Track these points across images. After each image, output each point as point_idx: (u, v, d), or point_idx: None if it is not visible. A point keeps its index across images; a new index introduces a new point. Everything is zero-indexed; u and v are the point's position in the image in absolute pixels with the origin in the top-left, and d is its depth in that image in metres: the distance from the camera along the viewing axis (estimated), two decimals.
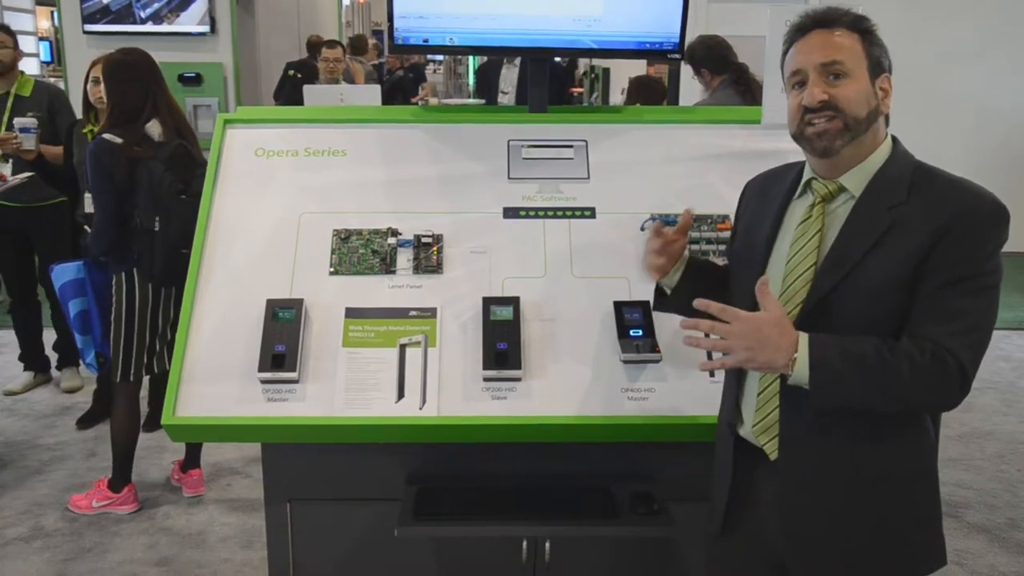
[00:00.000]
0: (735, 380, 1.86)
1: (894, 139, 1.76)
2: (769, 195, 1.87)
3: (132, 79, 3.54)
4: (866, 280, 1.63)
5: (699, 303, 1.66)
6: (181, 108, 3.77)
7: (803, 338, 1.59)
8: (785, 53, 1.76)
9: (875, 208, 1.67)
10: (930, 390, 1.59)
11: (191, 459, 3.98)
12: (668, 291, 2.02)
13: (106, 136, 3.47)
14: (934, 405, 1.67)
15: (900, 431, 1.71)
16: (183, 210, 3.41)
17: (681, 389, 2.17)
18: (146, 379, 3.83)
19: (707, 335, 1.69)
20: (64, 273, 3.72)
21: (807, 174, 1.79)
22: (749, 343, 1.59)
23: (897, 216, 1.64)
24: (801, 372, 1.58)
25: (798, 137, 1.73)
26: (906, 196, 1.65)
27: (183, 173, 3.50)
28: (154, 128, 3.53)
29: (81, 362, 4.14)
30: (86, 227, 3.82)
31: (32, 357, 5.25)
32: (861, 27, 1.70)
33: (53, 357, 5.28)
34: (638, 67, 8.90)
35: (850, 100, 1.65)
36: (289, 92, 8.34)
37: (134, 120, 3.51)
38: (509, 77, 8.11)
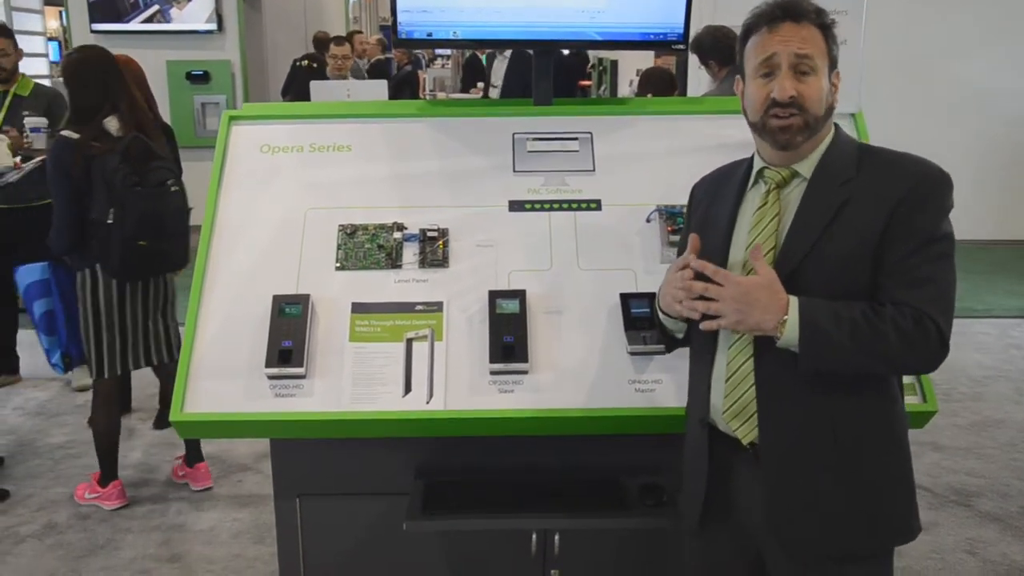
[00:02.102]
0: (704, 370, 1.86)
1: (835, 124, 1.83)
2: (721, 192, 1.92)
3: (89, 78, 3.54)
4: (829, 254, 1.69)
5: (695, 263, 1.72)
6: (144, 105, 3.74)
7: (793, 301, 1.65)
8: (746, 39, 1.78)
9: (828, 185, 1.74)
10: (914, 353, 1.65)
11: (193, 453, 4.00)
12: (680, 334, 2.01)
13: (64, 133, 3.49)
14: (918, 367, 1.77)
15: (875, 399, 1.76)
16: (138, 202, 3.41)
17: (688, 381, 2.17)
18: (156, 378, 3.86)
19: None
20: (29, 274, 3.71)
21: (758, 164, 1.84)
22: (739, 305, 1.66)
23: (850, 190, 1.71)
24: (791, 334, 1.64)
25: (758, 128, 1.77)
26: (855, 171, 1.73)
27: (139, 165, 3.47)
28: (112, 123, 3.51)
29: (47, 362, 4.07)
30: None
31: (2, 357, 5.27)
32: (824, 22, 1.74)
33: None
34: (646, 59, 8.87)
35: (814, 100, 1.71)
36: (300, 84, 8.33)
37: (92, 118, 3.50)
38: (499, 70, 8.13)
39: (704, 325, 1.73)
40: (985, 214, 8.40)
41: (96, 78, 3.54)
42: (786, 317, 1.64)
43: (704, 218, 1.93)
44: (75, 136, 3.46)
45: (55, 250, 3.62)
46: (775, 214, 1.77)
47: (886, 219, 1.67)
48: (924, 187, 1.69)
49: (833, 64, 1.75)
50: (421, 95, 11.80)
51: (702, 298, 1.71)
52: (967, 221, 7.97)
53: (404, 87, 11.11)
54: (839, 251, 1.69)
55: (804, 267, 1.70)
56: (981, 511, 3.76)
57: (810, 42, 1.70)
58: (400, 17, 2.51)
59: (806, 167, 1.77)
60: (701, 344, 1.86)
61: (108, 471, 3.82)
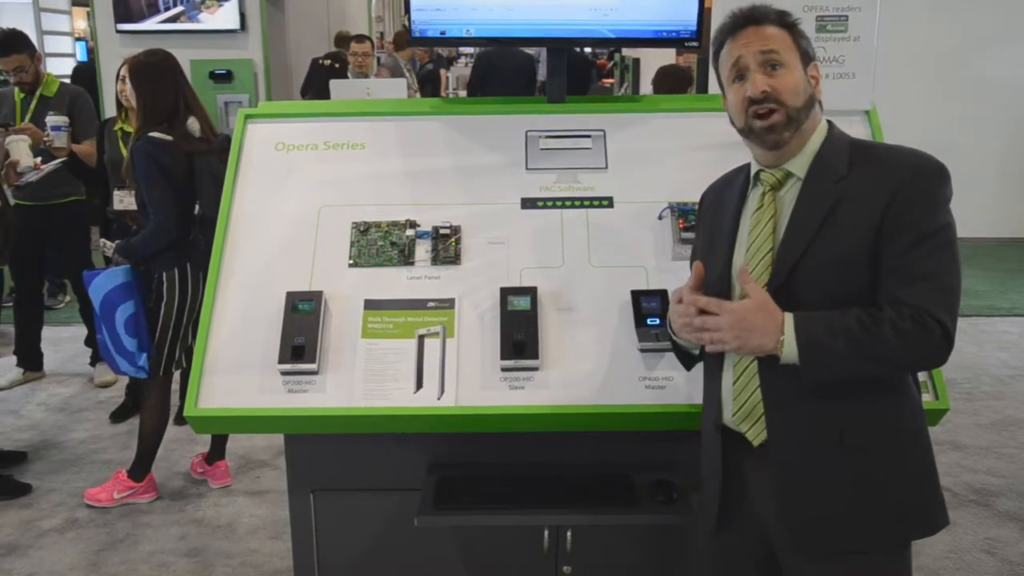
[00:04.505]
0: (715, 376, 1.89)
1: (829, 122, 1.84)
2: (724, 199, 1.94)
3: (161, 79, 3.59)
4: (825, 254, 1.70)
5: (688, 298, 1.77)
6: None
7: (788, 318, 1.66)
8: (717, 53, 1.84)
9: (821, 184, 1.75)
10: (916, 352, 1.66)
11: (216, 451, 4.04)
12: (695, 351, 2.02)
13: (155, 135, 3.51)
14: (922, 365, 1.79)
15: (881, 397, 1.76)
16: None
17: (698, 378, 2.15)
18: (177, 374, 3.90)
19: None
20: (111, 278, 3.65)
21: (754, 167, 1.86)
22: (736, 332, 1.68)
23: (844, 189, 1.72)
24: (791, 351, 1.66)
25: (746, 132, 1.80)
26: (847, 170, 1.74)
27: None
28: (194, 124, 3.60)
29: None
30: (113, 225, 3.85)
31: (27, 354, 5.34)
32: (787, 22, 1.79)
33: (86, 353, 5.37)
34: (668, 56, 8.85)
35: (788, 91, 1.73)
36: (321, 82, 8.35)
37: (171, 118, 3.56)
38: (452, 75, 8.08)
39: (709, 348, 1.77)
40: (1008, 211, 8.31)
41: (170, 80, 3.61)
42: (783, 337, 1.65)
43: (711, 227, 1.96)
44: (167, 138, 3.51)
45: (150, 251, 3.59)
46: (771, 216, 1.78)
47: (880, 216, 1.67)
48: (917, 180, 1.68)
49: (807, 57, 1.78)
50: (443, 93, 11.83)
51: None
52: (990, 218, 7.95)
53: (426, 85, 11.14)
54: (835, 251, 1.70)
55: (801, 268, 1.72)
56: (1000, 511, 3.73)
57: (773, 39, 1.75)
58: (414, 15, 2.52)
59: (798, 166, 1.79)
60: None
61: (147, 466, 3.86)
